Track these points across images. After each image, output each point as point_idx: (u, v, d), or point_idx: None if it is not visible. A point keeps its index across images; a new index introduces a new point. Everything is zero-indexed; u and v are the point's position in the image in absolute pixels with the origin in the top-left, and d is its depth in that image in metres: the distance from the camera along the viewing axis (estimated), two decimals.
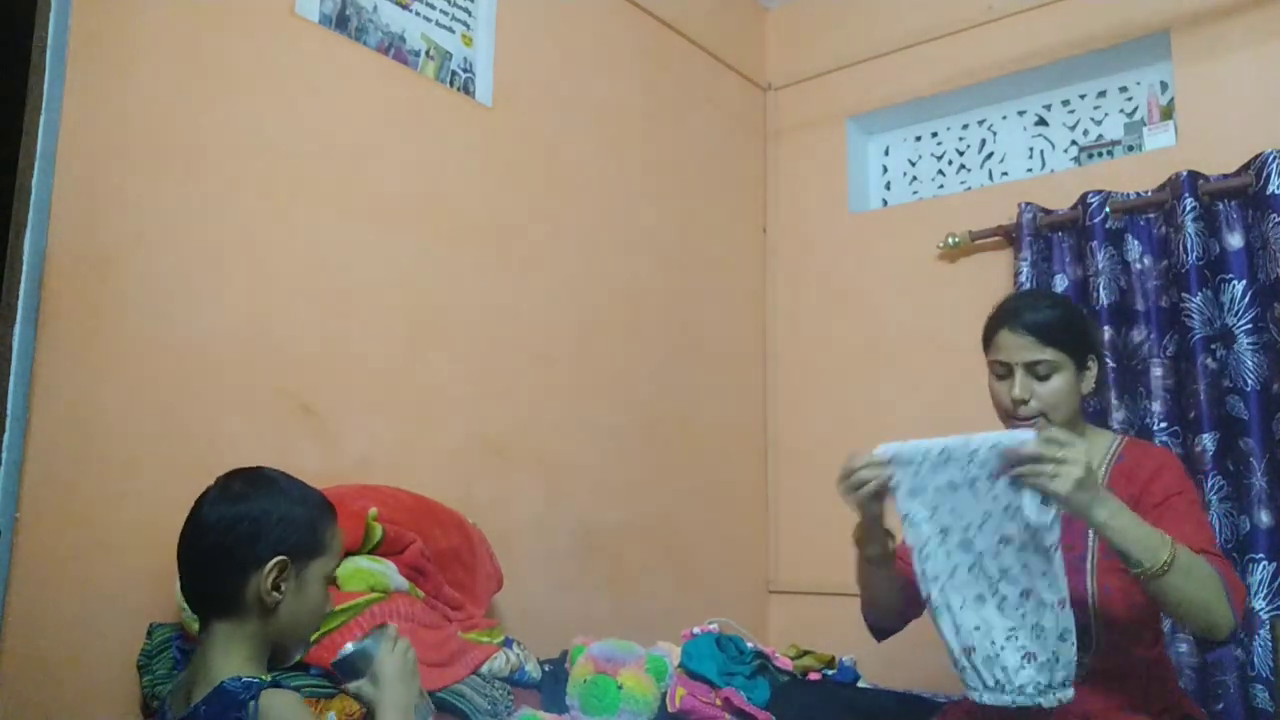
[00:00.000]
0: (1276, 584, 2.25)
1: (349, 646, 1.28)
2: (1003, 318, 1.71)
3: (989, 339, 1.73)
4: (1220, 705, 2.25)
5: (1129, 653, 1.62)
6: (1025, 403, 1.65)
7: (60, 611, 1.57)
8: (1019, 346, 1.66)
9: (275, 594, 1.18)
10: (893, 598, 1.77)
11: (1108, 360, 2.51)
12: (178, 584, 1.58)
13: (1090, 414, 2.55)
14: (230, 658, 1.17)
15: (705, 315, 3.05)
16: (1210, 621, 1.47)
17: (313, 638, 1.28)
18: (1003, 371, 1.69)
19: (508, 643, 1.95)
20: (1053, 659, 1.47)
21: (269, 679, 1.16)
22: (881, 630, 1.88)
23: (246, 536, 1.18)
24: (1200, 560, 1.48)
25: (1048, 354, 1.64)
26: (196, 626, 1.55)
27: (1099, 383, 1.73)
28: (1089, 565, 1.63)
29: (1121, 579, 1.59)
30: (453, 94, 2.35)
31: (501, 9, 2.47)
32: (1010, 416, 1.69)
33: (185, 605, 1.57)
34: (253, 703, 1.10)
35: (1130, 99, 2.90)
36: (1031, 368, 1.65)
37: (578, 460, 2.55)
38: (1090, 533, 1.62)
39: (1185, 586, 1.44)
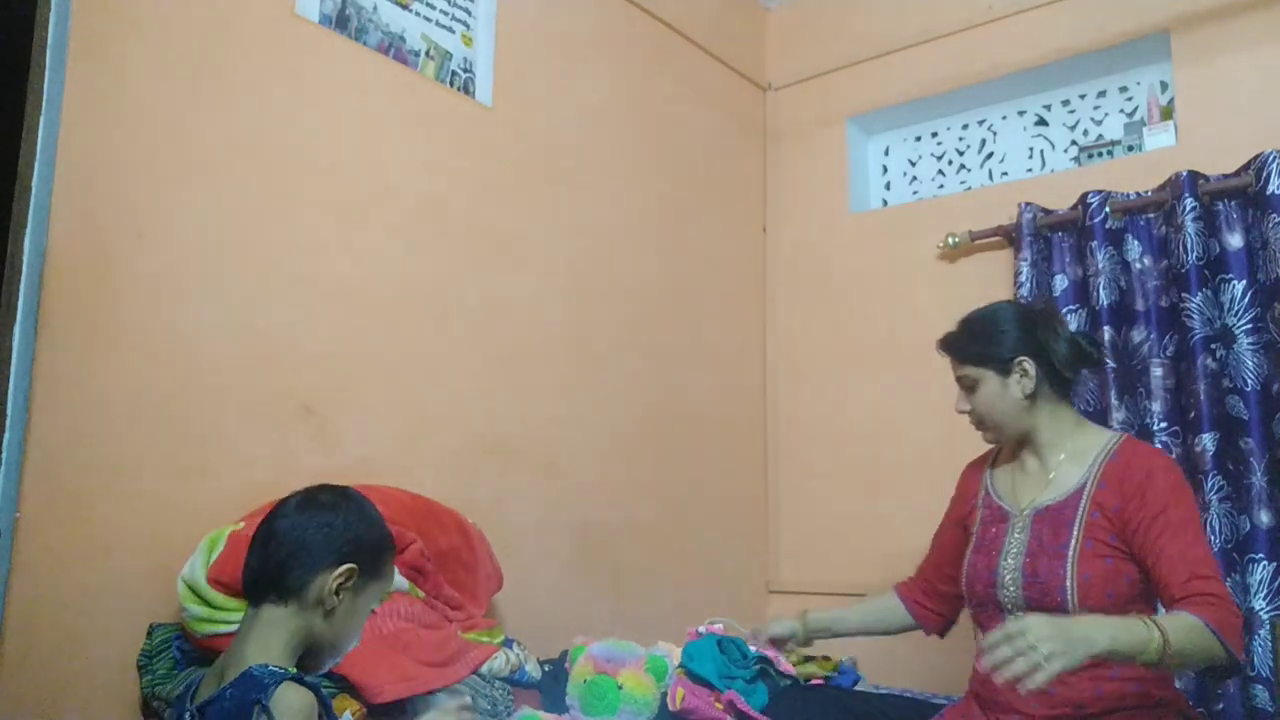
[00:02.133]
0: (1276, 584, 2.25)
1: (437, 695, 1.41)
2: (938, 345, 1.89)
3: None
4: (1220, 705, 2.25)
5: None
6: (966, 413, 1.83)
7: (60, 611, 1.57)
8: (951, 366, 1.85)
9: (335, 597, 1.25)
10: (890, 626, 2.03)
11: (1107, 360, 2.50)
12: (180, 584, 1.59)
13: (1090, 415, 2.55)
14: (268, 646, 1.22)
15: (705, 315, 3.05)
16: (1213, 668, 1.52)
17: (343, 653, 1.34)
18: None
19: (508, 643, 1.95)
20: None
21: (294, 671, 1.19)
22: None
23: (326, 538, 1.26)
24: (1188, 625, 1.47)
25: (964, 370, 1.81)
26: (203, 628, 1.56)
27: (1052, 379, 1.77)
28: (1071, 553, 1.67)
29: (1102, 569, 1.65)
30: (453, 94, 2.35)
31: (501, 9, 2.47)
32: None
33: (188, 604, 1.58)
34: (273, 688, 1.14)
35: (1130, 99, 2.90)
36: (960, 383, 1.82)
37: (578, 460, 2.55)
38: (1076, 524, 1.69)
39: (1184, 660, 1.47)
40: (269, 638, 1.22)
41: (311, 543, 1.25)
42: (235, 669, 1.19)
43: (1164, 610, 1.58)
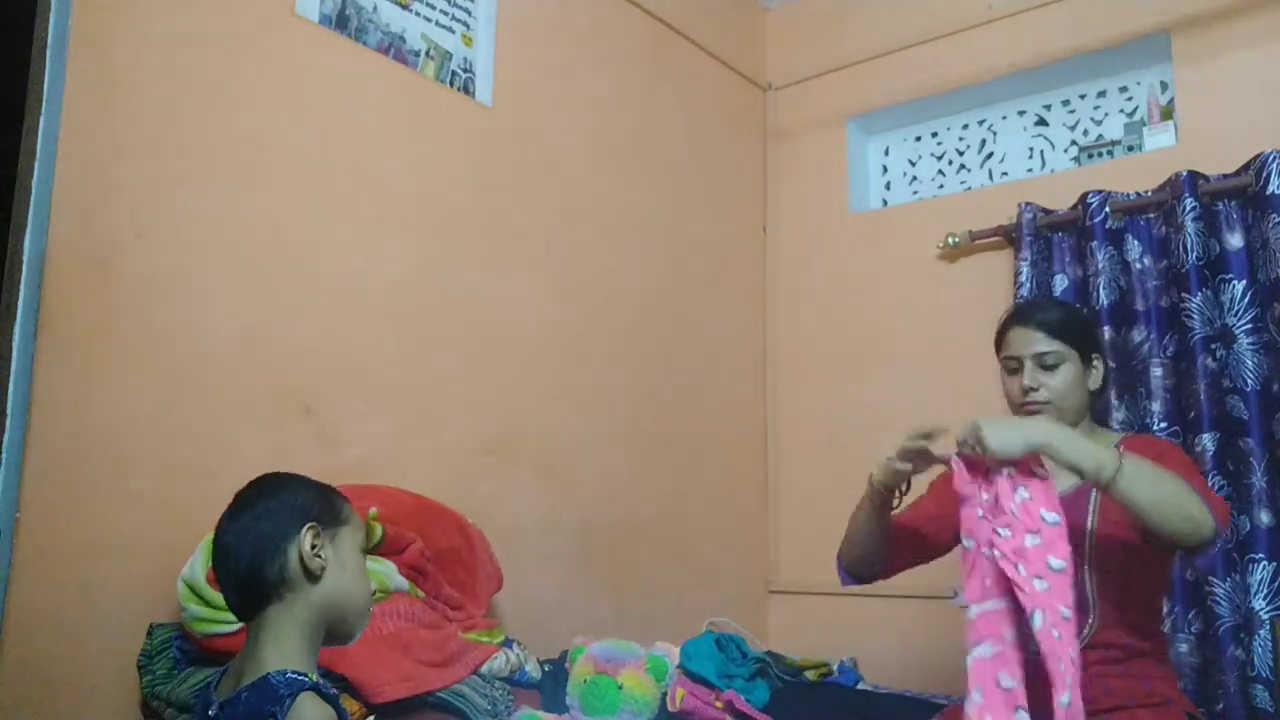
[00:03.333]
0: (1277, 584, 2.25)
1: None
2: (1014, 316, 1.84)
3: (1000, 338, 1.85)
4: (1220, 705, 2.25)
5: (1130, 639, 1.67)
6: (1034, 390, 1.76)
7: (60, 611, 1.57)
8: (1028, 340, 1.78)
9: (318, 558, 1.21)
10: (875, 542, 1.84)
11: (1107, 360, 2.50)
12: (179, 585, 1.59)
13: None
14: (283, 646, 1.18)
15: (705, 315, 3.05)
16: (1185, 516, 1.50)
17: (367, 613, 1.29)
18: (1014, 366, 1.80)
19: (508, 643, 1.95)
20: None
21: (314, 679, 1.16)
22: (851, 575, 1.92)
23: (275, 520, 1.21)
24: (1159, 470, 1.53)
25: (1054, 345, 1.76)
26: (203, 628, 1.55)
27: (1106, 384, 1.84)
28: (1086, 538, 1.69)
29: (1118, 556, 1.67)
30: (453, 94, 2.35)
31: (501, 9, 2.47)
32: (1020, 406, 1.80)
33: (188, 604, 1.58)
34: (289, 700, 1.11)
35: (1130, 99, 2.90)
36: (1039, 359, 1.76)
37: (578, 460, 2.55)
38: (1090, 508, 1.71)
39: (1144, 488, 1.50)
40: (281, 637, 1.18)
41: (265, 533, 1.20)
42: (253, 671, 1.16)
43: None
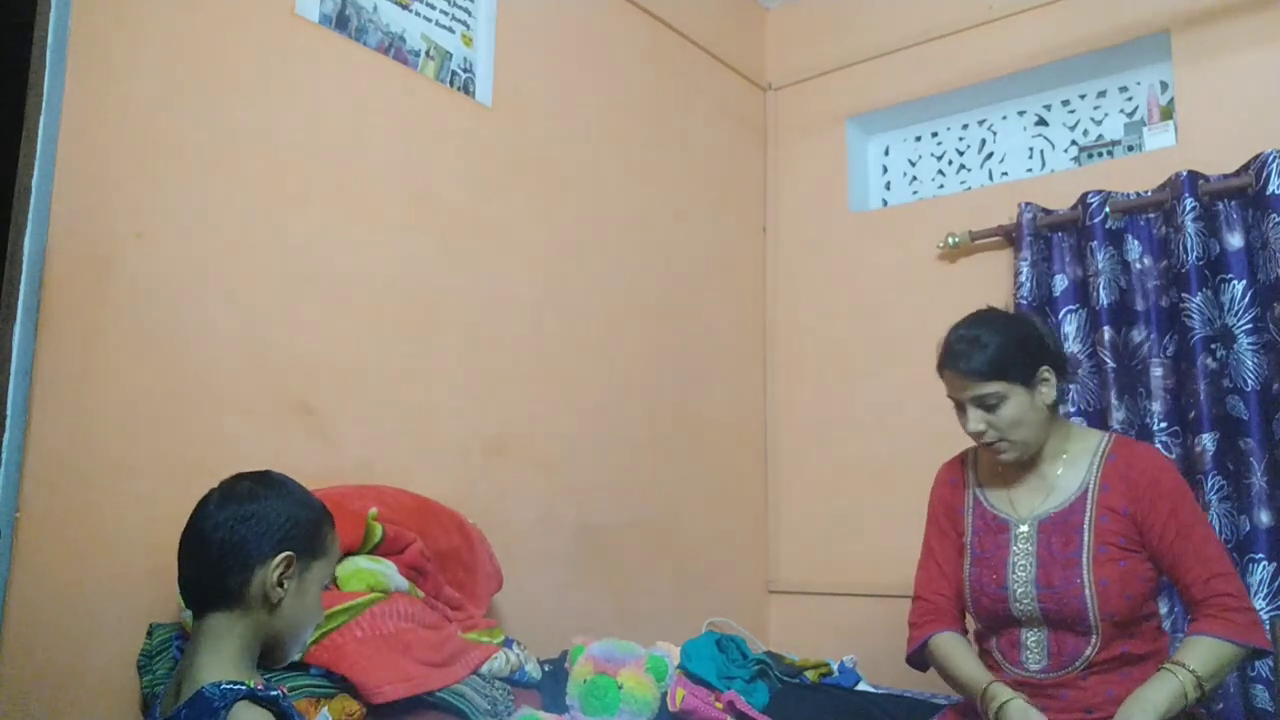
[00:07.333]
0: (1276, 584, 2.25)
1: None
2: (945, 358, 1.76)
3: (940, 373, 1.78)
4: (1220, 705, 2.25)
5: (1129, 646, 1.67)
6: (983, 432, 1.72)
7: (60, 611, 1.57)
8: (963, 385, 1.72)
9: (279, 589, 1.20)
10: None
11: (1107, 360, 2.50)
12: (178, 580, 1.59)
13: (1090, 415, 2.55)
14: (221, 655, 1.18)
15: (705, 315, 3.05)
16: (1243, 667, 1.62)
17: (309, 641, 1.29)
18: (957, 406, 1.77)
19: (508, 643, 1.95)
20: None
21: (251, 684, 1.15)
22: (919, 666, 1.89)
23: (256, 532, 1.20)
24: (1211, 651, 1.59)
25: (991, 387, 1.69)
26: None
27: (1063, 391, 1.78)
28: (1085, 560, 1.67)
29: (1117, 572, 1.66)
30: (453, 94, 2.35)
31: (501, 9, 2.47)
32: (982, 447, 1.79)
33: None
34: (224, 711, 1.10)
35: (1130, 99, 2.90)
36: (980, 401, 1.71)
37: (578, 460, 2.55)
38: (1086, 529, 1.69)
39: (1221, 680, 1.62)
40: (220, 648, 1.18)
41: (241, 540, 1.19)
42: (190, 685, 1.15)
43: (1184, 607, 1.69)
